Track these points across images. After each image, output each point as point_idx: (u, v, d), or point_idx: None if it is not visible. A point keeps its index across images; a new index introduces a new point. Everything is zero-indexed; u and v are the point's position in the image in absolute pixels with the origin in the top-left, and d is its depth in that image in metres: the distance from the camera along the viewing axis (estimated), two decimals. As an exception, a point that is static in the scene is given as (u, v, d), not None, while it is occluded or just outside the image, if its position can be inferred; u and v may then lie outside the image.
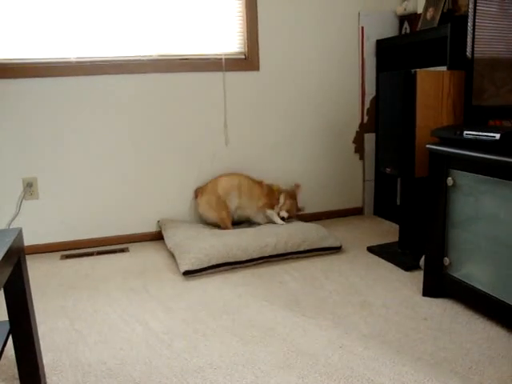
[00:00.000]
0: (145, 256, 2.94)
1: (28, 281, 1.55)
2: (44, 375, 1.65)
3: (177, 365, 1.78)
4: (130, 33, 3.01)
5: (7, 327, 1.54)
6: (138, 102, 3.08)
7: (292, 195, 3.20)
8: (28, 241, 2.97)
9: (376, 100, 3.51)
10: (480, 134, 1.92)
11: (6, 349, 1.83)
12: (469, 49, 2.29)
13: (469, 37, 2.28)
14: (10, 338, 1.56)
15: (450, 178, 2.08)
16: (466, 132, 1.99)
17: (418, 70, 2.44)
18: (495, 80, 2.19)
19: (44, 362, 1.79)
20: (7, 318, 1.53)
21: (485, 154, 1.86)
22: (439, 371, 1.68)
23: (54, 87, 2.92)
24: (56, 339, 1.99)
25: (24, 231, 2.90)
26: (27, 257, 2.48)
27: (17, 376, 1.63)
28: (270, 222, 3.13)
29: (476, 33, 2.25)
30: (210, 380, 1.68)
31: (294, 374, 1.69)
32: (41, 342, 1.94)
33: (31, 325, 1.54)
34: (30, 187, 2.97)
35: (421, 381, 1.63)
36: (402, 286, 2.39)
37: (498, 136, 1.84)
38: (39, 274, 2.70)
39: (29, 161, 2.96)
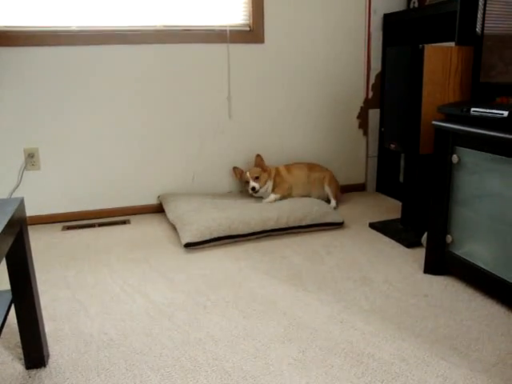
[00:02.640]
0: (146, 228, 2.94)
1: (30, 250, 1.55)
2: (46, 344, 1.66)
3: (177, 336, 1.79)
4: (134, 2, 2.95)
5: (9, 296, 1.55)
6: (141, 73, 3.04)
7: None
8: (29, 212, 2.97)
9: (381, 75, 3.47)
10: (487, 111, 1.89)
11: (8, 318, 1.84)
12: (479, 24, 2.25)
13: (479, 12, 2.24)
14: (13, 307, 1.56)
15: (455, 156, 2.06)
16: (473, 109, 1.97)
17: (425, 45, 2.40)
18: (504, 57, 2.16)
19: (46, 331, 1.80)
20: (9, 287, 1.53)
21: (492, 131, 1.84)
22: (439, 347, 1.70)
23: (55, 56, 2.88)
24: (58, 309, 2.00)
25: (25, 202, 2.89)
26: (28, 228, 2.48)
27: (19, 344, 1.64)
28: None
29: (487, 8, 2.20)
30: (211, 352, 1.69)
31: (294, 348, 1.70)
32: (43, 312, 1.95)
33: (33, 294, 1.55)
34: (31, 158, 2.96)
35: (420, 356, 1.64)
36: (403, 263, 2.39)
37: (506, 113, 1.81)
38: (40, 244, 2.71)
39: (30, 131, 2.93)
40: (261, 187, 3.14)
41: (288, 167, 3.29)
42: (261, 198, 3.20)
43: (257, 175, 3.15)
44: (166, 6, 3.01)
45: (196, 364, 1.62)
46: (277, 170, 3.25)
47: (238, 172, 3.26)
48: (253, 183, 3.12)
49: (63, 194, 3.06)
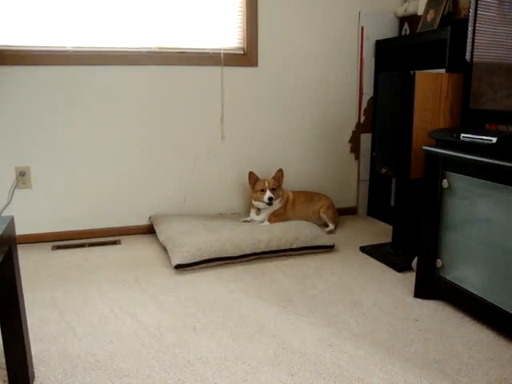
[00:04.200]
0: (137, 249, 2.93)
1: (18, 270, 1.54)
2: (32, 366, 1.64)
3: (166, 359, 1.77)
4: (129, 24, 2.99)
5: (-4, 316, 1.53)
6: (135, 94, 3.06)
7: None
8: (19, 230, 2.94)
9: (373, 100, 3.51)
10: (477, 137, 1.92)
11: (-6, 338, 1.81)
12: (468, 52, 2.30)
13: (468, 40, 2.28)
14: (-1, 326, 1.54)
15: (445, 180, 2.08)
16: (462, 135, 2.00)
17: (416, 71, 2.44)
18: (493, 84, 2.19)
19: (32, 352, 1.77)
20: (-4, 307, 1.52)
21: (481, 157, 1.86)
22: (428, 372, 1.69)
23: (49, 76, 2.89)
24: (45, 330, 1.97)
25: (15, 220, 2.87)
26: (18, 246, 2.46)
27: (4, 366, 1.62)
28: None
29: (476, 37, 2.25)
30: (200, 375, 1.67)
31: (283, 371, 1.69)
32: (29, 332, 1.92)
33: (20, 314, 1.53)
34: (22, 176, 2.95)
35: (410, 381, 1.63)
36: (393, 287, 2.39)
37: (494, 140, 1.84)
38: (30, 264, 2.68)
39: (22, 149, 2.93)
40: (275, 200, 3.14)
41: (294, 199, 3.28)
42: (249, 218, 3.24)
43: (274, 187, 3.15)
44: (161, 29, 3.05)
45: (184, 387, 1.60)
46: (287, 197, 3.26)
47: (253, 177, 3.20)
48: (270, 193, 3.11)
49: (54, 213, 3.05)
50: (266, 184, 3.14)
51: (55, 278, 2.49)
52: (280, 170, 3.22)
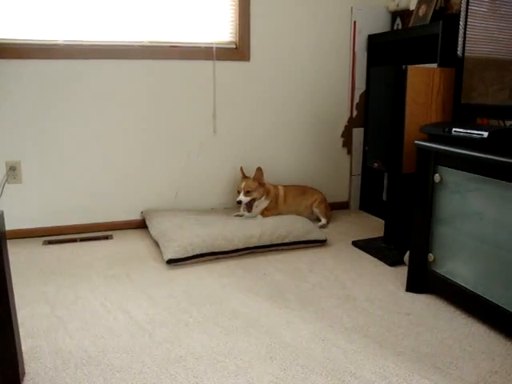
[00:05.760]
0: (129, 244, 2.91)
1: (8, 265, 1.52)
2: (22, 362, 1.63)
3: (158, 354, 1.76)
4: (121, 18, 2.96)
5: (-14, 312, 1.52)
6: (126, 88, 3.04)
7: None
8: (10, 225, 2.92)
9: (366, 95, 3.51)
10: (468, 131, 1.92)
11: (-16, 334, 1.80)
12: (460, 47, 2.30)
13: (460, 35, 2.28)
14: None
15: (437, 175, 2.08)
16: (454, 129, 2.00)
17: (408, 66, 2.44)
18: (484, 79, 2.20)
19: (23, 348, 1.76)
20: (-14, 303, 1.50)
21: (473, 151, 1.87)
22: (421, 366, 1.69)
23: (40, 70, 2.86)
24: (36, 325, 1.96)
25: (6, 215, 2.84)
26: (8, 242, 2.44)
27: (-5, 361, 1.61)
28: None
29: (467, 32, 2.25)
30: (192, 370, 1.67)
31: (275, 366, 1.69)
32: (20, 328, 1.91)
33: (10, 310, 1.52)
34: (13, 171, 2.92)
35: (402, 375, 1.64)
36: (385, 281, 2.39)
37: (486, 134, 1.84)
38: (21, 259, 2.66)
39: (13, 144, 2.91)
40: (253, 200, 3.10)
41: (286, 194, 3.25)
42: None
43: (249, 189, 3.08)
44: (153, 22, 3.02)
45: (176, 382, 1.60)
46: (276, 193, 3.21)
47: (242, 174, 3.20)
48: (241, 196, 3.07)
49: (45, 208, 3.03)
50: (242, 185, 3.10)
51: (46, 273, 2.48)
52: (259, 169, 3.14)
